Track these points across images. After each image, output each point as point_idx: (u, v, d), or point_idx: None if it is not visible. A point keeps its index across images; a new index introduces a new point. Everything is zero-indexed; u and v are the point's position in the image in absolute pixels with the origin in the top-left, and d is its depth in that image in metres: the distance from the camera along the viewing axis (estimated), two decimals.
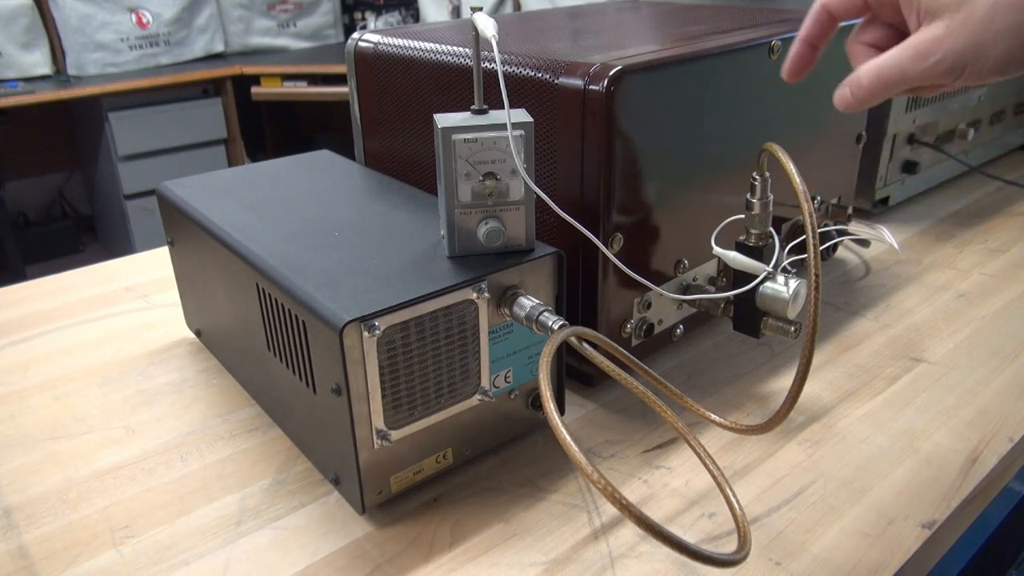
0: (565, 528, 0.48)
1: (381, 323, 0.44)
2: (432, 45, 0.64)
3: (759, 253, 0.56)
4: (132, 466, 0.55)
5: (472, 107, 0.48)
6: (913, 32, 0.39)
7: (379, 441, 0.47)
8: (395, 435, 0.47)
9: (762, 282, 0.55)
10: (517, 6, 3.01)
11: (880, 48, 0.43)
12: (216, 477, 0.53)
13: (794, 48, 0.46)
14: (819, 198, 0.75)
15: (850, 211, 0.77)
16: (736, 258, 0.55)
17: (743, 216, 0.56)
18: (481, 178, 0.47)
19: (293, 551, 0.47)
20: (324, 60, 2.95)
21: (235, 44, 3.14)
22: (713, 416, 0.53)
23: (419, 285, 0.46)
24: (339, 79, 2.80)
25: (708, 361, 0.66)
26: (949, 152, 1.00)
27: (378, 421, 0.46)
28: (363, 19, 3.38)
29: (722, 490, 0.47)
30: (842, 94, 0.43)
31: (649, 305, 0.60)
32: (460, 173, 0.47)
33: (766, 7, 0.78)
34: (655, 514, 0.49)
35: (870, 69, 0.40)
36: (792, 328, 0.55)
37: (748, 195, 0.55)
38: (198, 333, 0.69)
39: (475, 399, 0.50)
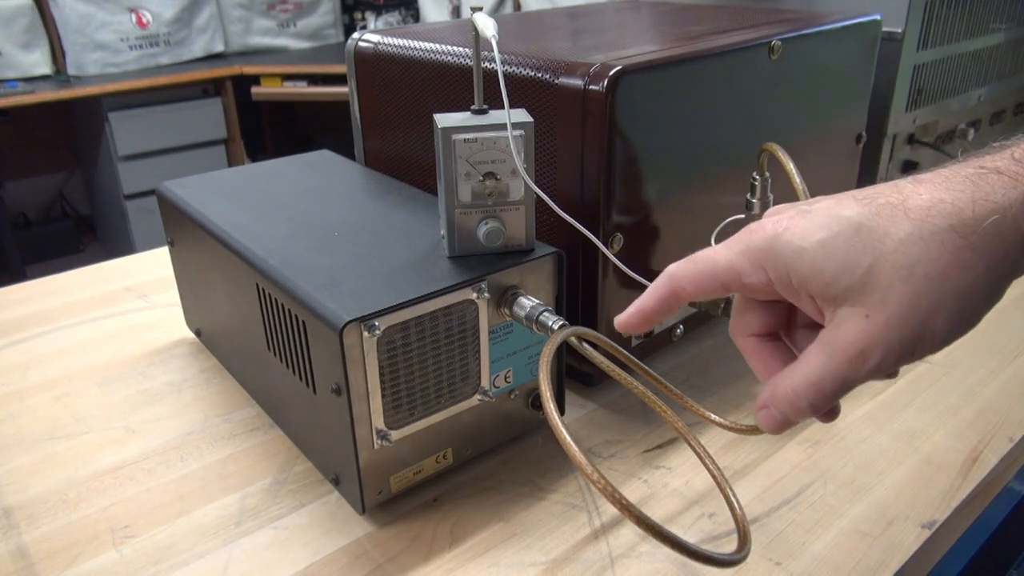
0: (565, 528, 0.48)
1: (381, 323, 0.44)
2: (432, 45, 0.64)
3: None
4: (132, 466, 0.55)
5: (472, 107, 0.48)
6: (820, 320, 0.34)
7: (379, 441, 0.47)
8: (395, 435, 0.47)
9: None
10: (517, 6, 3.01)
11: (773, 334, 0.38)
12: (216, 477, 0.53)
13: (630, 310, 0.39)
14: None
15: None
16: None
17: (743, 216, 0.56)
18: (481, 178, 0.47)
19: (293, 551, 0.47)
20: (324, 60, 2.95)
21: (235, 44, 3.14)
22: (713, 416, 0.53)
23: (419, 285, 0.46)
24: (339, 79, 2.80)
25: (708, 361, 0.66)
26: (949, 152, 1.00)
27: (378, 421, 0.46)
28: (363, 19, 3.38)
29: (722, 490, 0.47)
30: (770, 417, 0.35)
31: None
32: (460, 173, 0.47)
33: (766, 7, 0.78)
34: (655, 514, 0.49)
35: (803, 388, 0.33)
36: None
37: (748, 195, 0.55)
38: (198, 333, 0.69)
39: (475, 399, 0.50)
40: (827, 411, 0.36)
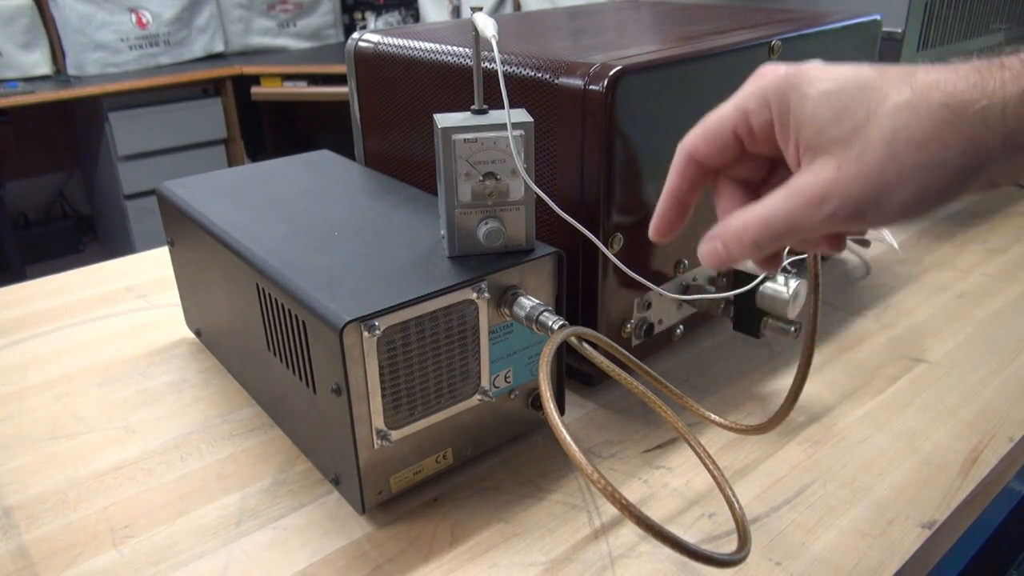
0: (565, 528, 0.48)
1: (381, 323, 0.44)
2: (432, 45, 0.64)
3: None
4: (132, 466, 0.55)
5: (472, 107, 0.48)
6: (795, 170, 0.34)
7: (379, 441, 0.47)
8: (395, 435, 0.47)
9: (762, 282, 0.55)
10: (517, 6, 3.01)
11: (749, 184, 0.38)
12: (216, 477, 0.53)
13: (662, 204, 0.39)
14: None
15: None
16: None
17: None
18: (481, 178, 0.47)
19: (293, 551, 0.47)
20: (324, 60, 2.95)
21: (235, 44, 3.14)
22: (713, 416, 0.53)
23: (419, 285, 0.46)
24: (339, 79, 2.80)
25: (708, 361, 0.66)
26: None
27: (378, 421, 0.46)
28: (363, 19, 3.38)
29: (722, 490, 0.47)
30: (711, 249, 0.36)
31: (649, 305, 0.60)
32: (460, 173, 0.47)
33: (766, 7, 0.78)
34: (655, 514, 0.49)
35: (752, 221, 0.34)
36: (792, 328, 0.55)
37: None
38: (198, 333, 0.69)
39: (475, 399, 0.50)
40: (769, 258, 0.37)
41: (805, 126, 0.33)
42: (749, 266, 0.55)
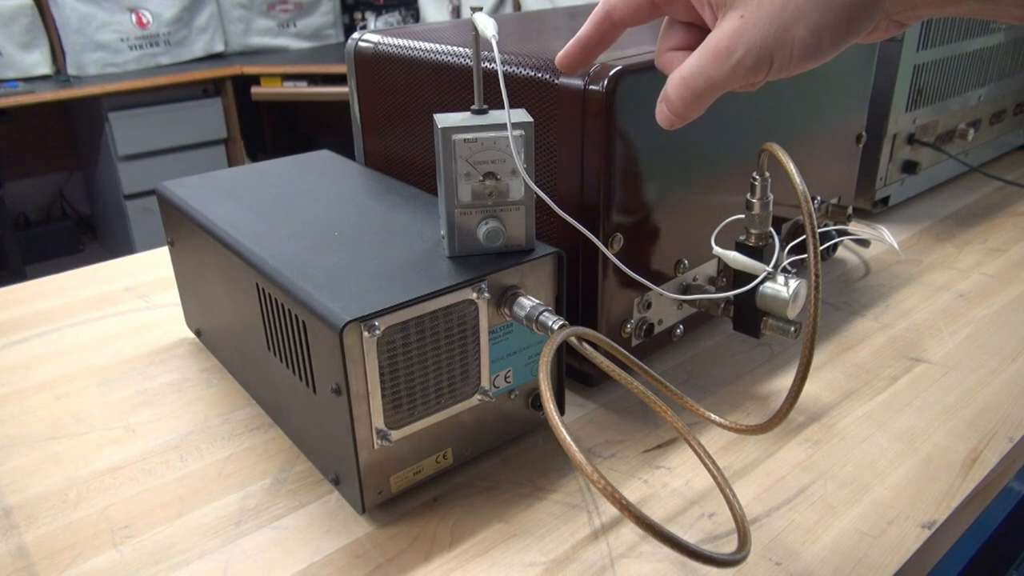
0: (565, 528, 0.48)
1: (381, 323, 0.44)
2: (432, 45, 0.64)
3: (759, 253, 0.56)
4: (132, 466, 0.55)
5: (472, 107, 0.48)
6: (712, 29, 0.36)
7: (379, 441, 0.47)
8: (395, 435, 0.47)
9: (762, 282, 0.55)
10: (517, 6, 3.01)
11: (690, 51, 0.40)
12: (216, 477, 0.53)
13: (570, 45, 0.43)
14: (819, 198, 0.75)
15: (850, 211, 0.77)
16: (736, 258, 0.55)
17: (743, 216, 0.56)
18: (481, 178, 0.47)
19: (293, 551, 0.47)
20: (324, 60, 2.96)
21: (235, 44, 3.14)
22: (713, 416, 0.53)
23: (419, 285, 0.46)
24: (339, 79, 2.80)
25: (708, 361, 0.66)
26: (949, 152, 1.00)
27: (378, 421, 0.46)
28: (363, 19, 3.38)
29: (722, 490, 0.47)
30: (660, 112, 0.39)
31: (649, 305, 0.60)
32: (460, 173, 0.47)
33: None
34: (655, 514, 0.49)
35: (675, 81, 0.37)
36: (792, 328, 0.55)
37: (748, 195, 0.55)
38: (198, 333, 0.69)
39: (475, 399, 0.50)
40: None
41: None
42: (749, 265, 0.55)
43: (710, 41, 0.35)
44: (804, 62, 0.34)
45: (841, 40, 0.33)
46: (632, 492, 0.51)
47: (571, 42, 0.43)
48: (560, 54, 0.44)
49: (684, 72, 0.36)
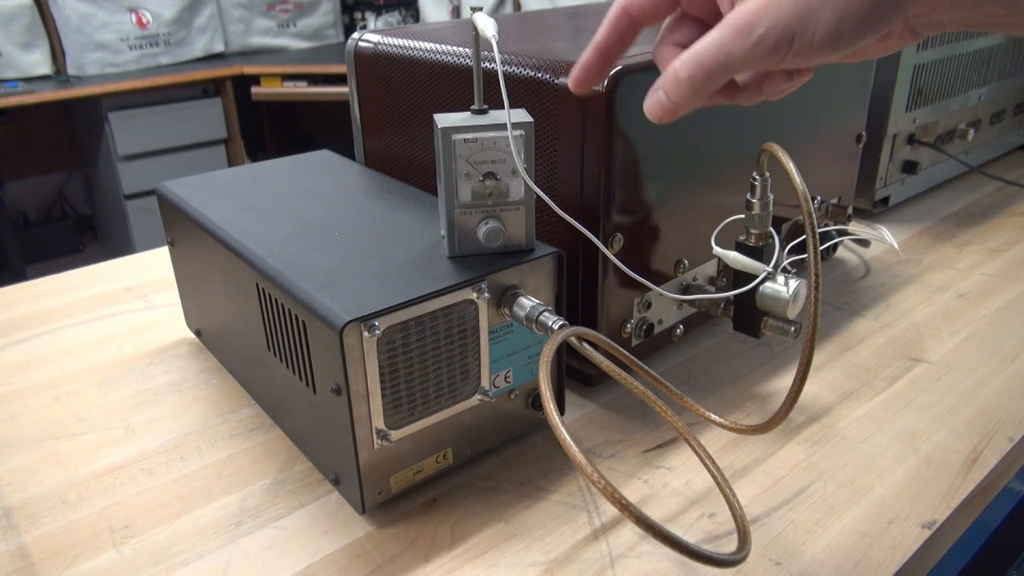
0: (565, 528, 0.48)
1: (381, 323, 0.44)
2: (432, 45, 0.64)
3: (759, 253, 0.56)
4: (132, 466, 0.55)
5: (472, 107, 0.48)
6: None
7: (379, 441, 0.47)
8: (395, 435, 0.47)
9: (762, 282, 0.55)
10: (517, 6, 3.01)
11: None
12: (216, 477, 0.53)
13: (585, 55, 0.40)
14: (819, 198, 0.75)
15: (850, 211, 0.77)
16: (736, 258, 0.55)
17: (743, 216, 0.56)
18: (481, 178, 0.47)
19: (293, 551, 0.47)
20: (324, 60, 2.95)
21: (235, 44, 3.14)
22: (713, 416, 0.53)
23: (419, 285, 0.46)
24: (339, 79, 2.80)
25: (708, 361, 0.66)
26: (949, 152, 1.00)
27: (378, 421, 0.46)
28: (363, 19, 3.38)
29: (722, 490, 0.47)
30: (654, 100, 0.37)
31: (649, 305, 0.60)
32: (460, 173, 0.47)
33: None
34: (655, 514, 0.49)
35: (687, 56, 0.35)
36: (792, 328, 0.55)
37: (748, 195, 0.55)
38: (198, 333, 0.69)
39: (475, 399, 0.50)
40: (717, 96, 0.38)
41: None
42: (749, 265, 0.55)
43: (732, 16, 0.34)
44: (822, 50, 0.33)
45: (862, 33, 0.32)
46: (632, 492, 0.51)
47: (586, 53, 0.40)
48: (574, 72, 0.41)
49: (697, 48, 0.34)
